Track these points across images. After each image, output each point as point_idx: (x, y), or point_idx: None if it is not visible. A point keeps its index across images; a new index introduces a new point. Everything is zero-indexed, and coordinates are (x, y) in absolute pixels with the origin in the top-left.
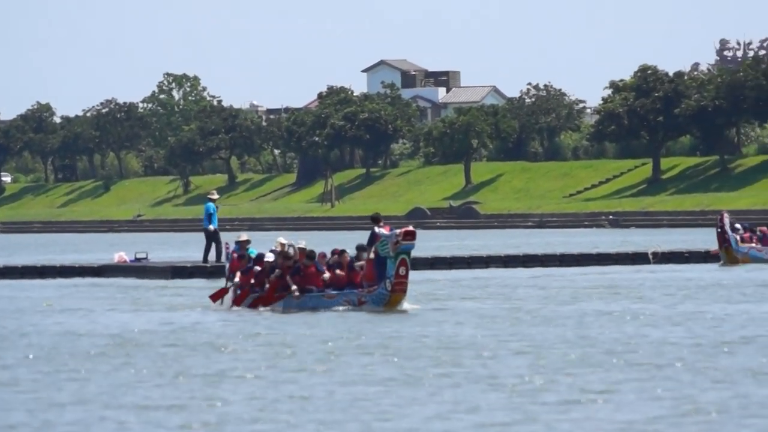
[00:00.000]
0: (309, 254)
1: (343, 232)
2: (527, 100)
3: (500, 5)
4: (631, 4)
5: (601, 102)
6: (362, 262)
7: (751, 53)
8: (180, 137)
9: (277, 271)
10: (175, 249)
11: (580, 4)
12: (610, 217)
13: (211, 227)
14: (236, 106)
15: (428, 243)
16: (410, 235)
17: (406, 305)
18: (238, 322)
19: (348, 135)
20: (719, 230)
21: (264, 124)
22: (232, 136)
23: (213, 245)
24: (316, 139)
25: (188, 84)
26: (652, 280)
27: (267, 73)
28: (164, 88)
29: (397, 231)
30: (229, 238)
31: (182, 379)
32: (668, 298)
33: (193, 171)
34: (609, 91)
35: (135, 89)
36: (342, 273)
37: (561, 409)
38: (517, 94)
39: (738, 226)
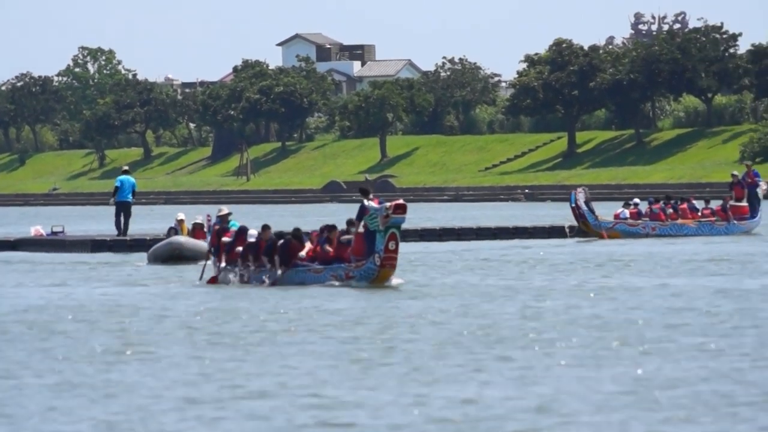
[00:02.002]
0: (295, 234)
1: (258, 206)
2: (442, 74)
3: None
4: None
5: (517, 76)
6: (350, 236)
7: (665, 27)
8: (95, 111)
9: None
10: (92, 222)
11: None
12: (526, 190)
13: (112, 201)
14: (151, 79)
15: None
16: (401, 209)
17: (394, 281)
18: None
19: (263, 109)
20: (573, 206)
21: (179, 97)
22: (148, 109)
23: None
24: (232, 112)
25: (103, 57)
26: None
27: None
28: (79, 61)
29: (387, 204)
30: (166, 212)
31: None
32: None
33: (109, 145)
34: (524, 65)
35: (50, 63)
36: (330, 248)
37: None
38: (432, 68)
39: (636, 200)
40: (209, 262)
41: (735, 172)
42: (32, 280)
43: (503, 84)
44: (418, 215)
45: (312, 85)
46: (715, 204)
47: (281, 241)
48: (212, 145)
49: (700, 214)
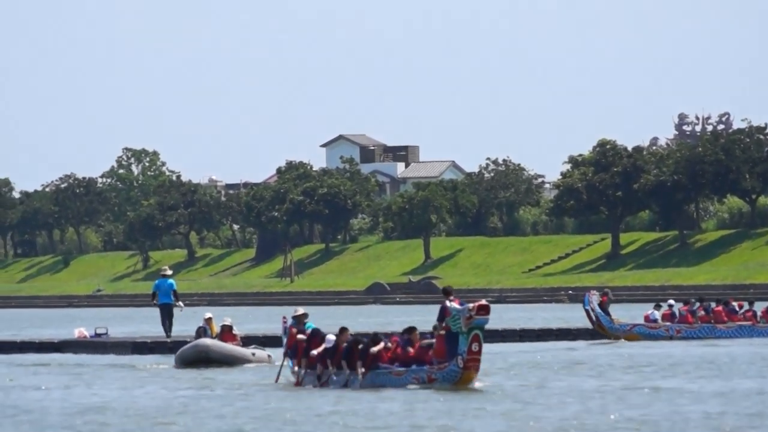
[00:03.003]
0: (374, 339)
1: (302, 308)
2: (486, 175)
3: (458, 80)
4: (589, 79)
5: (560, 177)
6: (431, 340)
7: (709, 128)
8: (139, 212)
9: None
10: (135, 324)
11: (537, 78)
12: (570, 292)
13: (154, 302)
14: (195, 180)
15: (387, 318)
16: (484, 310)
17: (477, 383)
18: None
19: (307, 210)
20: (587, 308)
21: (223, 199)
22: (191, 211)
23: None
24: (275, 214)
25: (147, 159)
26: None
27: (226, 148)
28: (123, 162)
29: (470, 305)
30: (202, 313)
31: None
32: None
33: (153, 246)
34: (568, 166)
35: (94, 164)
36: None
37: None
38: (476, 169)
39: (671, 302)
40: (285, 363)
41: None
42: (90, 383)
43: (547, 185)
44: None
45: (356, 186)
46: (762, 305)
47: (360, 345)
48: (256, 247)
49: (741, 316)
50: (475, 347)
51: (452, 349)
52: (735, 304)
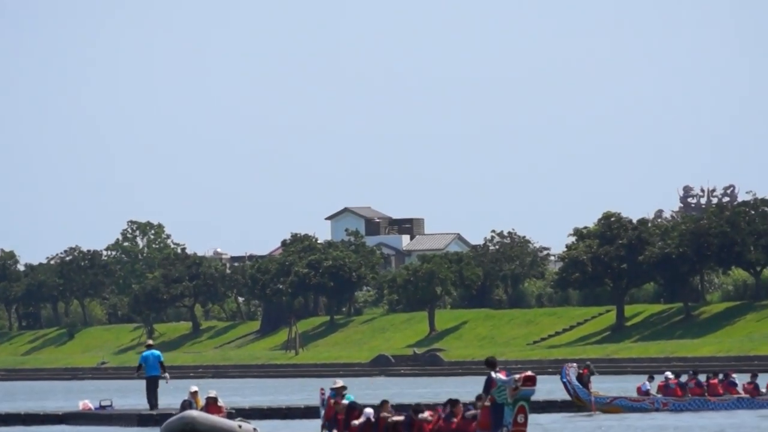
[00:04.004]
0: (415, 409)
1: (307, 379)
2: (491, 248)
3: (464, 153)
4: (593, 152)
5: (565, 249)
6: (475, 412)
7: (714, 200)
8: (144, 285)
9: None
10: (140, 396)
11: (542, 151)
12: (575, 364)
13: (137, 375)
14: (200, 253)
15: (392, 391)
16: (530, 381)
17: None
18: None
19: (312, 282)
20: (564, 381)
21: (228, 271)
22: (196, 283)
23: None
24: (280, 286)
25: (152, 231)
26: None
27: (231, 220)
28: (128, 235)
29: (516, 376)
30: (204, 386)
31: None
32: None
33: (157, 318)
34: (573, 239)
35: (99, 237)
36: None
37: None
38: (481, 242)
39: (669, 374)
40: None
41: None
42: None
43: (552, 257)
44: (466, 389)
45: (361, 259)
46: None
47: (401, 418)
48: (261, 319)
49: (741, 389)
50: (520, 419)
51: (497, 420)
52: (735, 376)
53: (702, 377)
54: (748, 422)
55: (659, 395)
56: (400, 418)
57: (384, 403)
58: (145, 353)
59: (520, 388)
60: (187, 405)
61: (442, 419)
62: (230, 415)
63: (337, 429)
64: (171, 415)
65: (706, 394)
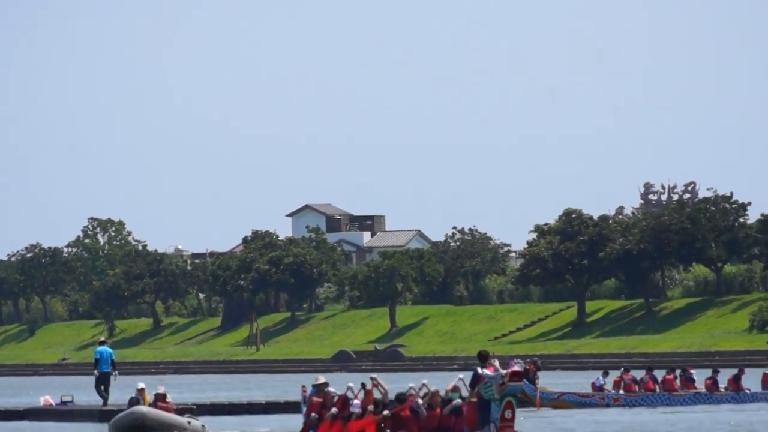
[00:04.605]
0: (399, 397)
1: (268, 375)
2: (452, 244)
3: (424, 150)
4: (554, 148)
5: (526, 245)
6: (451, 406)
7: (675, 197)
8: (105, 281)
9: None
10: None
11: (503, 149)
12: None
13: (96, 372)
14: (161, 250)
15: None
16: (517, 376)
17: None
18: None
19: (273, 279)
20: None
21: (189, 268)
22: (157, 280)
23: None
24: (241, 283)
25: (113, 229)
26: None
27: (192, 218)
28: (89, 232)
29: (503, 371)
30: (171, 382)
31: None
32: None
33: (118, 315)
34: (534, 235)
35: (60, 234)
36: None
37: None
38: (442, 238)
39: (623, 369)
40: None
41: None
42: None
43: (513, 254)
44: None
45: (322, 255)
46: (730, 373)
47: (387, 412)
48: (222, 315)
49: (702, 385)
50: (508, 414)
51: (484, 416)
52: (693, 372)
53: (662, 373)
54: (690, 417)
55: (613, 391)
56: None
57: (367, 392)
58: (98, 349)
59: (507, 384)
60: (134, 401)
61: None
62: (180, 412)
63: (319, 425)
64: (114, 412)
65: (659, 389)
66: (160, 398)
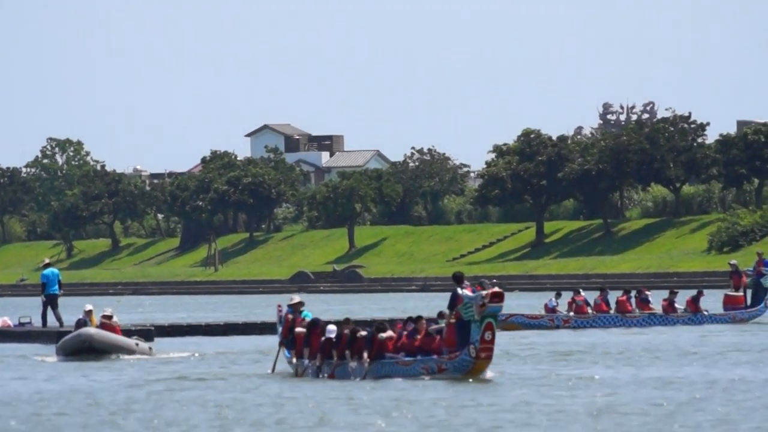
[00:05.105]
0: (378, 327)
1: (226, 296)
2: (411, 164)
3: (383, 71)
4: (512, 69)
5: (485, 166)
6: (439, 326)
7: (634, 117)
8: (63, 202)
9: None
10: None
11: (461, 69)
12: (494, 280)
13: (43, 297)
14: (120, 170)
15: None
16: (498, 297)
17: (488, 373)
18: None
19: (231, 199)
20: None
21: (147, 188)
22: (116, 200)
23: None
24: (200, 203)
25: (72, 149)
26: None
27: (150, 138)
28: (47, 152)
29: (483, 292)
30: (129, 303)
31: None
32: None
33: (77, 235)
34: (492, 155)
35: (18, 154)
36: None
37: None
38: (400, 158)
39: (580, 291)
40: (281, 353)
41: (733, 261)
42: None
43: (472, 174)
44: (387, 305)
45: (280, 175)
46: (689, 294)
47: (364, 333)
48: (180, 236)
49: (659, 306)
50: (488, 336)
51: (464, 338)
52: (648, 293)
53: (618, 294)
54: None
55: (554, 313)
56: (363, 333)
57: (347, 321)
58: (45, 272)
59: (488, 305)
60: (82, 323)
61: (405, 336)
62: (128, 333)
63: (294, 346)
64: (61, 333)
65: (611, 311)
66: (106, 320)
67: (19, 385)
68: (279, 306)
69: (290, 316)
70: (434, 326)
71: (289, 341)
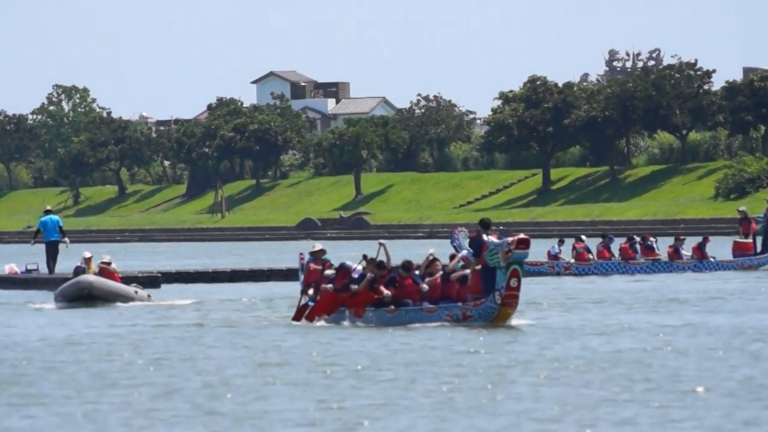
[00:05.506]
0: (405, 265)
1: (233, 243)
2: (417, 111)
3: (389, 17)
4: (519, 16)
5: (491, 113)
6: (462, 273)
7: (640, 64)
8: (70, 149)
9: (369, 275)
10: (66, 260)
11: (469, 16)
12: (501, 227)
13: (33, 242)
14: (126, 117)
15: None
16: (524, 243)
17: (514, 320)
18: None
19: (238, 146)
20: (454, 245)
21: (154, 135)
22: (122, 147)
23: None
24: (206, 150)
25: (78, 96)
26: None
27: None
28: (54, 99)
29: (509, 239)
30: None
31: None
32: None
33: (83, 182)
34: (499, 102)
35: (24, 101)
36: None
37: None
38: (407, 105)
39: (583, 237)
40: (305, 301)
41: (742, 208)
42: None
43: (478, 121)
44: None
45: (286, 122)
46: (695, 241)
47: (390, 276)
48: (187, 183)
49: (665, 253)
50: (513, 283)
51: (489, 284)
52: (653, 240)
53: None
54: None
55: (554, 260)
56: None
57: (370, 262)
58: (43, 218)
59: (513, 251)
60: (80, 271)
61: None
62: (126, 280)
63: (317, 293)
64: (61, 280)
65: (614, 257)
66: (105, 267)
67: (12, 331)
68: (301, 254)
69: (312, 264)
70: (457, 274)
71: (314, 288)
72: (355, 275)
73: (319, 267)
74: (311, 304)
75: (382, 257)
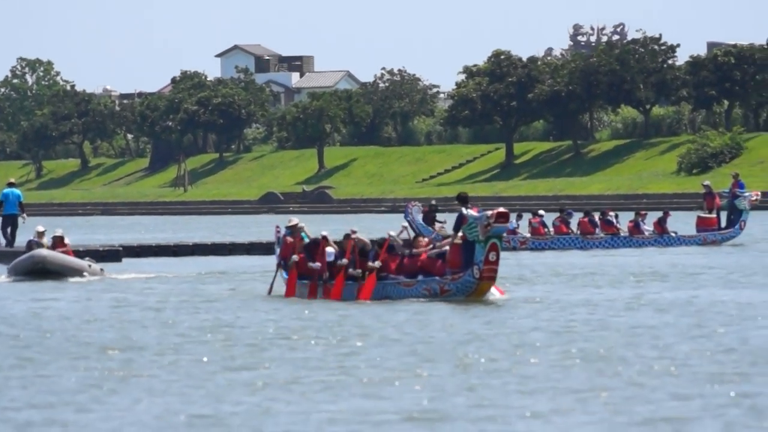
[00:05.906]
0: (379, 242)
1: (195, 217)
2: (381, 85)
3: None
4: None
5: (455, 87)
6: (438, 250)
7: (604, 38)
8: (33, 122)
9: (344, 260)
10: (28, 233)
11: None
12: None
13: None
14: (89, 90)
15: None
16: (503, 217)
17: (493, 294)
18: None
19: (201, 120)
20: (408, 220)
21: (117, 108)
22: (85, 120)
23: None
24: (170, 124)
25: (42, 69)
26: None
27: (120, 57)
28: (17, 72)
29: (488, 212)
30: (98, 223)
31: None
32: None
33: (46, 156)
34: (462, 76)
35: None
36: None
37: None
38: (371, 79)
39: (541, 212)
40: (278, 275)
41: (706, 182)
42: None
43: (442, 95)
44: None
45: (250, 96)
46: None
47: (379, 263)
48: (150, 156)
49: (624, 228)
50: (492, 257)
51: (468, 258)
52: (612, 214)
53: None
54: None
55: (511, 235)
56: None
57: (346, 237)
58: (5, 191)
59: (493, 225)
60: (34, 245)
61: (405, 257)
62: (79, 254)
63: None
64: (14, 254)
65: (571, 232)
66: (58, 241)
67: None
68: (277, 227)
69: (289, 239)
70: (433, 251)
71: (288, 262)
72: (330, 258)
73: (295, 241)
74: (285, 277)
75: (396, 239)
